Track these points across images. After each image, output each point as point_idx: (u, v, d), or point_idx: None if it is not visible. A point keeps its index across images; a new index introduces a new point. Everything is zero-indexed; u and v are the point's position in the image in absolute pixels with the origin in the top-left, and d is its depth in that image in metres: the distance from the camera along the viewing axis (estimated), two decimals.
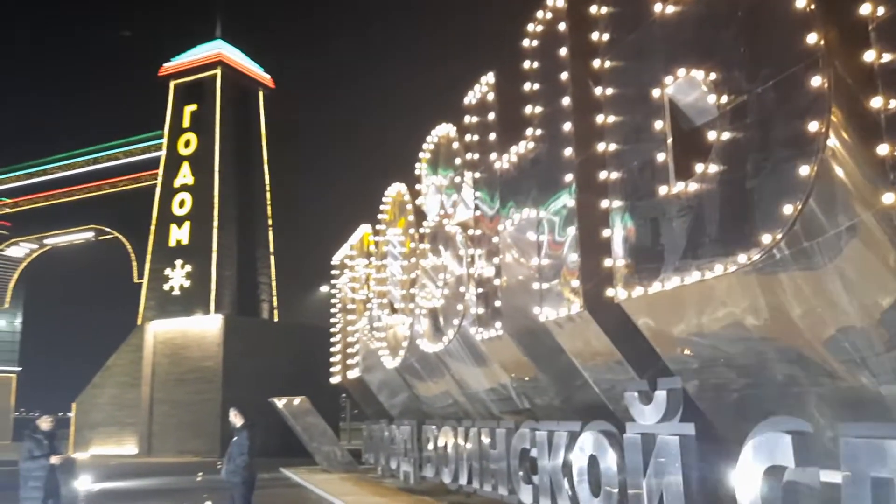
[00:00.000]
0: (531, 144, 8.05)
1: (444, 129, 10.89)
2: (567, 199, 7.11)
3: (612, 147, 6.40)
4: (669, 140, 5.66)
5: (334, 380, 18.96)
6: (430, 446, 11.51)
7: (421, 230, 11.71)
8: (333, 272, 18.97)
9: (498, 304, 8.67)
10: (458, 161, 10.31)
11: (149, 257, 30.29)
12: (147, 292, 29.94)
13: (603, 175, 6.49)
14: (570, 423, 7.50)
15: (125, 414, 28.81)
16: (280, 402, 16.70)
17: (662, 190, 5.63)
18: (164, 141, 31.42)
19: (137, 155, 35.39)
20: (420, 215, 12.18)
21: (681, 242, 5.47)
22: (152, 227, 30.42)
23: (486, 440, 9.31)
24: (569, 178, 7.09)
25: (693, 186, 5.36)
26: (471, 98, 9.75)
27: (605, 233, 6.40)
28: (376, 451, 15.47)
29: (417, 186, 11.95)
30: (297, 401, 17.15)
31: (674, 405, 5.71)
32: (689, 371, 5.99)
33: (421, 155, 11.82)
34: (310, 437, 17.06)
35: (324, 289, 35.32)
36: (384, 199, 14.12)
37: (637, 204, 6.03)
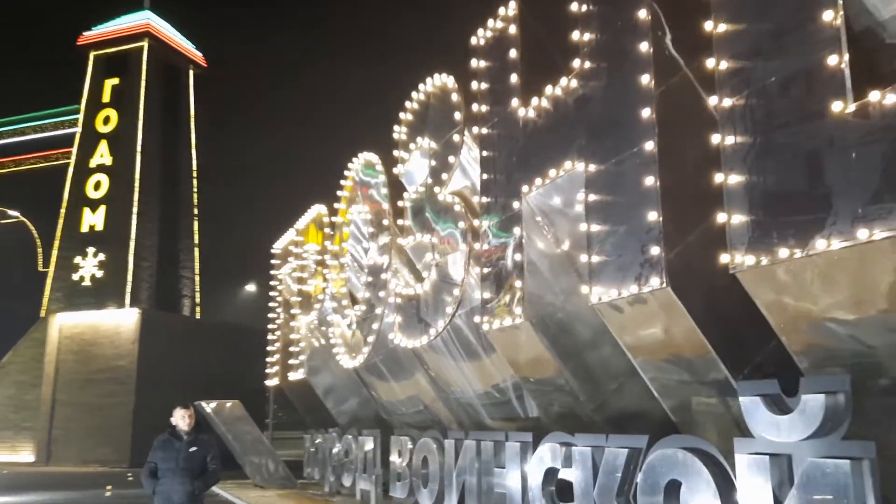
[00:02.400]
0: (577, 81, 6.32)
1: (439, 81, 9.07)
2: (643, 142, 5.40)
3: (727, 64, 4.72)
4: (844, 38, 4.01)
5: (271, 382, 16.82)
6: (402, 461, 9.59)
7: (401, 203, 9.83)
8: (274, 262, 16.84)
9: (519, 284, 6.89)
10: (457, 116, 8.50)
11: (56, 243, 27.17)
12: (53, 282, 26.81)
13: (712, 101, 4.80)
14: (628, 437, 5.76)
15: (22, 417, 25.60)
16: (209, 407, 14.46)
17: (836, 106, 3.97)
18: (80, 117, 28.36)
19: (49, 131, 32.09)
20: (397, 187, 10.31)
21: (867, 182, 3.81)
22: (62, 211, 27.34)
23: (488, 455, 7.48)
24: (646, 113, 5.38)
25: (892, 99, 3.72)
26: (480, 38, 7.96)
27: (716, 178, 4.70)
28: (322, 465, 13.41)
29: (396, 153, 10.07)
30: (228, 405, 14.93)
31: (837, 416, 4.02)
32: (837, 369, 4.36)
33: (402, 116, 9.95)
34: (241, 447, 14.85)
35: (250, 288, 32.76)
36: (347, 174, 12.17)
37: (776, 135, 4.35)
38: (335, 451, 12.56)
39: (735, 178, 4.58)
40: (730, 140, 4.66)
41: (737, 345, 5.20)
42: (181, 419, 5.71)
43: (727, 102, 4.70)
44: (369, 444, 10.95)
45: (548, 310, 6.90)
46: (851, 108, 3.91)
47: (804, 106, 4.17)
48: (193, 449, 5.63)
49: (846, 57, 3.97)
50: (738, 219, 4.54)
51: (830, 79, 4.01)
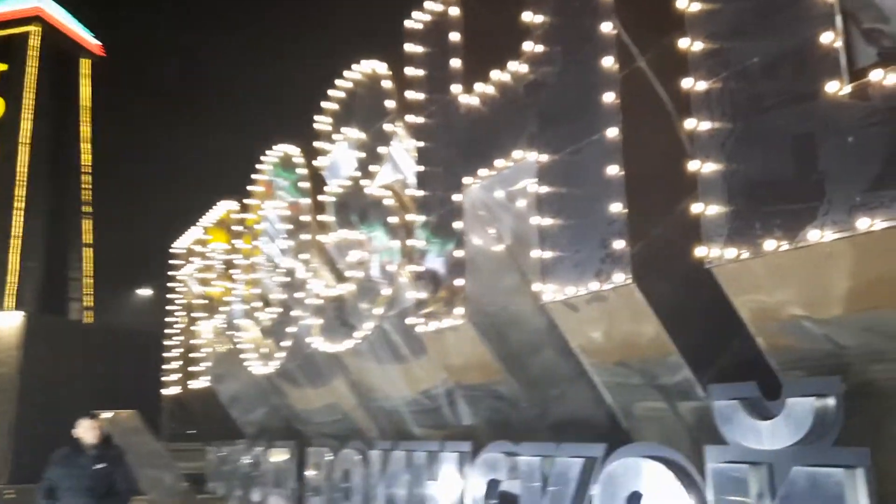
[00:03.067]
0: (528, 66, 5.92)
1: (368, 67, 8.52)
2: (605, 129, 5.03)
3: (703, 45, 4.40)
4: (839, 17, 3.74)
5: (169, 391, 15.75)
6: (321, 474, 8.94)
7: (323, 198, 9.20)
8: (175, 262, 15.79)
9: (460, 283, 6.42)
10: (389, 104, 7.98)
11: None
12: None
13: (685, 84, 4.47)
14: (583, 445, 5.37)
15: None
16: (104, 417, 13.34)
17: (831, 87, 3.68)
18: None
19: None
20: (318, 180, 9.67)
21: (866, 168, 3.53)
22: None
23: (420, 467, 6.97)
24: (609, 98, 5.02)
25: (893, 80, 3.45)
26: (417, 21, 7.48)
27: (687, 166, 4.37)
28: (228, 478, 12.54)
29: (318, 144, 9.44)
30: (124, 415, 13.85)
31: (827, 421, 3.73)
32: (820, 370, 4.09)
33: (325, 105, 9.34)
34: (138, 460, 13.77)
35: (147, 291, 30.96)
36: (261, 167, 11.42)
37: (760, 120, 4.04)
38: (243, 463, 11.74)
39: (711, 167, 4.26)
40: (705, 126, 4.34)
41: (700, 346, 4.90)
42: (86, 431, 4.95)
43: (702, 85, 4.39)
44: (283, 456, 10.23)
45: (491, 310, 6.47)
46: (848, 89, 3.63)
47: (793, 88, 3.88)
48: (100, 466, 4.89)
49: (841, 35, 3.70)
50: (715, 209, 4.21)
51: (824, 58, 3.73)
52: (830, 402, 3.72)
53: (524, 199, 6.18)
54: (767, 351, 4.29)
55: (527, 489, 5.56)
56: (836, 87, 3.66)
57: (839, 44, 3.69)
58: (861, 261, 3.62)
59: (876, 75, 3.47)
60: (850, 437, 3.73)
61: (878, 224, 3.45)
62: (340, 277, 9.14)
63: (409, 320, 7.06)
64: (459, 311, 6.36)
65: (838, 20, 3.72)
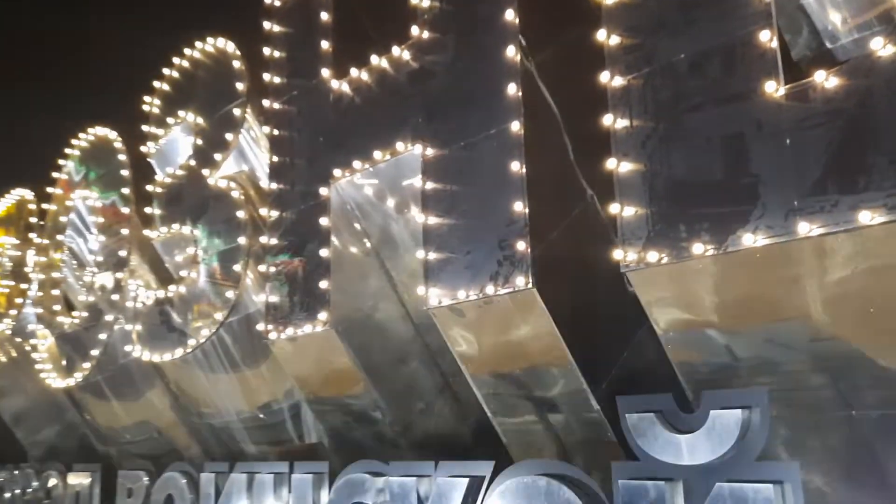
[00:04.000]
0: (413, 52, 5.48)
1: (212, 45, 7.67)
2: (506, 123, 4.68)
3: (620, 39, 4.19)
4: (773, 12, 3.64)
5: None
6: (136, 502, 7.83)
7: (151, 188, 8.16)
8: None
9: (324, 285, 5.80)
10: (240, 87, 7.20)
11: None
12: None
13: (603, 78, 4.22)
14: (466, 463, 4.93)
15: None
16: None
17: (769, 87, 3.56)
18: None
19: None
20: (142, 169, 8.60)
21: (805, 171, 3.43)
22: None
23: (263, 491, 6.21)
24: (511, 89, 4.69)
25: (835, 82, 3.38)
26: None
27: (608, 164, 4.11)
28: None
29: (146, 129, 8.39)
30: None
31: (753, 434, 3.57)
32: (735, 382, 3.97)
33: (157, 85, 8.34)
34: None
35: None
36: (69, 152, 10.03)
37: (686, 119, 3.87)
38: (30, 491, 10.17)
39: (629, 166, 4.04)
40: (622, 123, 4.12)
41: (594, 355, 4.67)
42: None
43: (619, 81, 4.17)
44: (84, 482, 8.94)
45: (356, 316, 5.91)
46: (783, 90, 3.53)
47: (724, 87, 3.74)
48: None
49: (776, 34, 3.60)
50: (632, 211, 3.99)
51: (760, 57, 3.61)
52: (756, 414, 3.57)
53: (400, 195, 5.73)
54: (676, 361, 4.12)
55: None
56: (772, 88, 3.55)
57: (775, 43, 3.59)
58: (789, 267, 3.51)
59: (819, 76, 3.38)
60: None
61: (816, 230, 3.35)
62: (167, 278, 8.15)
63: (259, 327, 6.32)
64: (322, 316, 5.75)
65: (773, 19, 3.61)
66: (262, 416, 7.33)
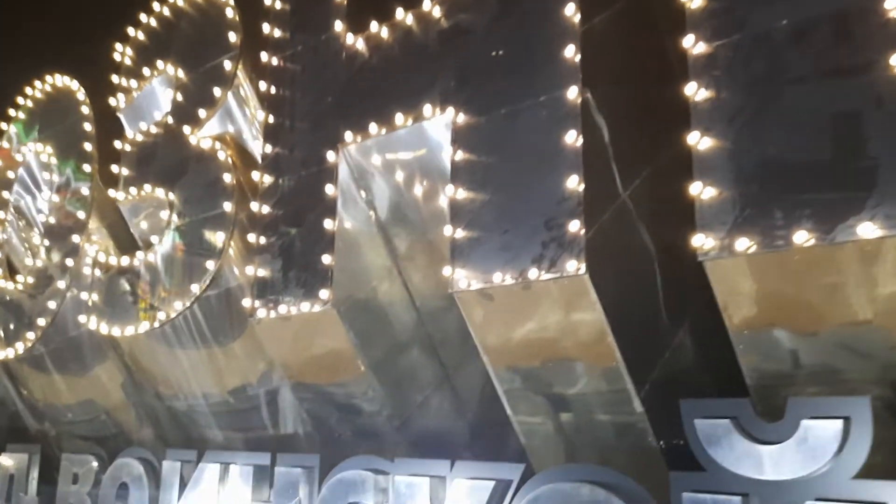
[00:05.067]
0: (445, 8, 4.95)
1: None
2: (560, 89, 4.21)
3: (703, 1, 3.75)
4: None
5: None
6: (82, 489, 7.08)
7: (120, 145, 7.40)
8: None
9: (327, 260, 5.22)
10: (232, 38, 6.54)
11: None
12: None
13: (686, 43, 3.78)
14: (489, 465, 4.44)
15: None
16: None
17: (894, 59, 3.17)
18: None
19: None
20: (107, 123, 7.81)
21: None
22: None
23: (240, 485, 5.59)
24: (569, 52, 4.21)
25: None
26: None
27: (690, 139, 3.66)
28: None
29: (116, 80, 7.63)
30: None
31: (852, 448, 3.18)
32: (814, 390, 3.59)
33: (131, 32, 7.60)
34: None
35: None
36: (22, 101, 9.12)
37: (786, 92, 3.45)
38: None
39: (712, 143, 3.61)
40: (705, 94, 3.69)
41: (636, 354, 4.24)
42: None
43: (703, 48, 3.74)
44: (19, 463, 8.11)
45: (360, 297, 5.36)
46: None
47: (836, 58, 3.34)
48: None
49: None
50: (715, 193, 3.56)
51: (883, 27, 3.22)
52: (858, 426, 3.18)
53: (417, 166, 5.21)
54: (747, 364, 3.71)
55: None
56: None
57: None
58: None
59: None
60: None
61: None
62: (131, 243, 7.42)
63: (245, 303, 5.70)
64: (324, 294, 5.17)
65: None
66: (232, 400, 6.70)
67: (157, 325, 6.47)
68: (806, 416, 3.28)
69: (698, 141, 3.64)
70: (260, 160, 5.98)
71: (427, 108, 4.84)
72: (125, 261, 6.93)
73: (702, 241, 3.55)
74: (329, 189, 5.31)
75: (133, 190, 7.05)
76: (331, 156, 5.36)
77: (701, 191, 3.59)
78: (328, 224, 5.26)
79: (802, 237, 3.27)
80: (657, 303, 4.47)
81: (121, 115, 7.58)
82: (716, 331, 3.75)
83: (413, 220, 5.50)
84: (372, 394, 5.41)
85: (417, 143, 5.05)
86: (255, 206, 5.84)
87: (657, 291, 4.48)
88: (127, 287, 6.83)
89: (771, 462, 3.31)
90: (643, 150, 4.43)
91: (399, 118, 4.98)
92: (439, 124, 4.82)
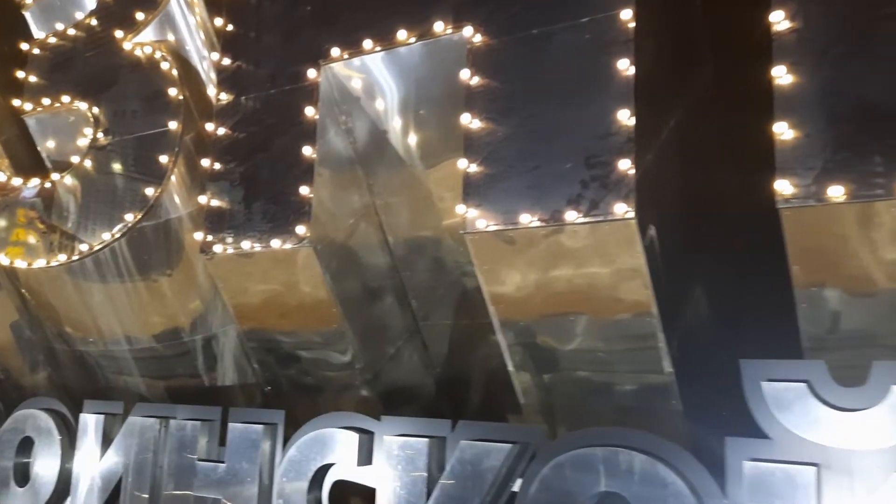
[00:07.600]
0: None
1: None
2: (611, 9, 3.73)
3: None
4: None
5: None
6: None
7: (28, 48, 6.29)
8: None
9: (305, 191, 4.54)
10: None
11: None
12: None
13: None
14: (493, 426, 3.99)
15: None
16: None
17: None
18: None
19: None
20: (5, 22, 6.66)
21: None
22: None
23: (186, 442, 4.90)
24: None
25: None
26: None
27: (774, 72, 3.28)
28: None
29: None
30: None
31: None
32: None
33: None
34: None
35: None
36: None
37: (881, 25, 3.15)
38: None
39: (797, 79, 3.26)
40: (787, 25, 3.32)
41: (670, 307, 3.91)
42: None
43: None
44: None
45: (336, 236, 4.74)
46: None
47: None
48: None
49: None
50: (800, 134, 3.21)
51: None
52: None
53: (408, 90, 4.62)
54: (806, 327, 3.43)
55: (409, 482, 4.02)
56: None
57: None
58: None
59: None
60: None
61: None
62: (37, 163, 6.40)
63: (197, 236, 4.94)
64: (300, 230, 4.52)
65: None
66: (161, 346, 5.92)
67: (76, 257, 5.57)
68: (894, 380, 3.02)
69: (782, 76, 3.27)
70: (215, 74, 5.18)
71: (439, 25, 4.23)
72: (37, 183, 5.93)
73: (783, 187, 3.20)
74: (309, 111, 4.62)
75: (46, 101, 6.03)
76: (311, 72, 4.66)
77: (782, 131, 3.23)
78: (307, 151, 4.58)
79: None
80: (683, 257, 4.14)
81: (27, 14, 6.46)
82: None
83: (392, 155, 4.92)
84: (344, 343, 4.84)
85: (419, 65, 4.45)
86: (210, 126, 5.06)
87: (683, 243, 4.15)
88: (42, 214, 5.85)
89: (856, 430, 3.04)
90: (688, 83, 4.05)
91: (402, 34, 4.35)
92: (450, 42, 4.24)
